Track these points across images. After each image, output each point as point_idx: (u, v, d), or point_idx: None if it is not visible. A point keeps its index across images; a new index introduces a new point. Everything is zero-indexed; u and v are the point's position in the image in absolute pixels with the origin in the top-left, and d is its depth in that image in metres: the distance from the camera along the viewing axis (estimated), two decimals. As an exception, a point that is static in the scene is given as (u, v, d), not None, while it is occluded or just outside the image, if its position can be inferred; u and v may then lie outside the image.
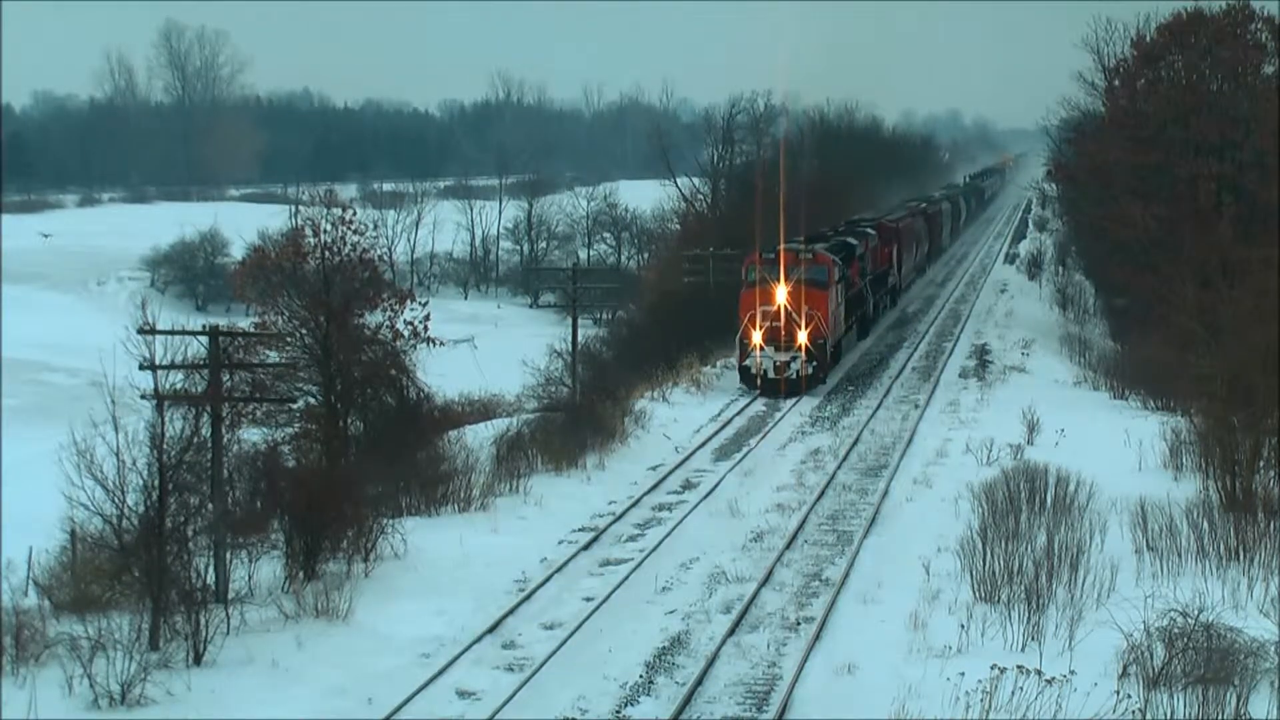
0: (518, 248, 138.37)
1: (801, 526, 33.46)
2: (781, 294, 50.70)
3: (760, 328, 50.77)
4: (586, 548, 32.10)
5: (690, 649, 25.33)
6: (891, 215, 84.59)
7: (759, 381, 50.79)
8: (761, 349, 50.72)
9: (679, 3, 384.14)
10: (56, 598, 27.13)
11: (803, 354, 50.72)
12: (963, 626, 24.60)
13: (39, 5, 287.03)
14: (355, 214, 49.59)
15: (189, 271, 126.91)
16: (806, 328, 50.82)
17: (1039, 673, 21.21)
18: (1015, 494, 32.33)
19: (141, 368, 32.03)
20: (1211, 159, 62.63)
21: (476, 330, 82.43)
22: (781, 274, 50.95)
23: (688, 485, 38.34)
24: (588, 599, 28.25)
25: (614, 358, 67.19)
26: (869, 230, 68.14)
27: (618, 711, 22.61)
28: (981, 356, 57.20)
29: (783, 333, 50.79)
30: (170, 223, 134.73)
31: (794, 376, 50.76)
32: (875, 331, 68.26)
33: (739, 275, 54.47)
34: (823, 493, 36.82)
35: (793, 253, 52.32)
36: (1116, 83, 71.16)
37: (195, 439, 28.25)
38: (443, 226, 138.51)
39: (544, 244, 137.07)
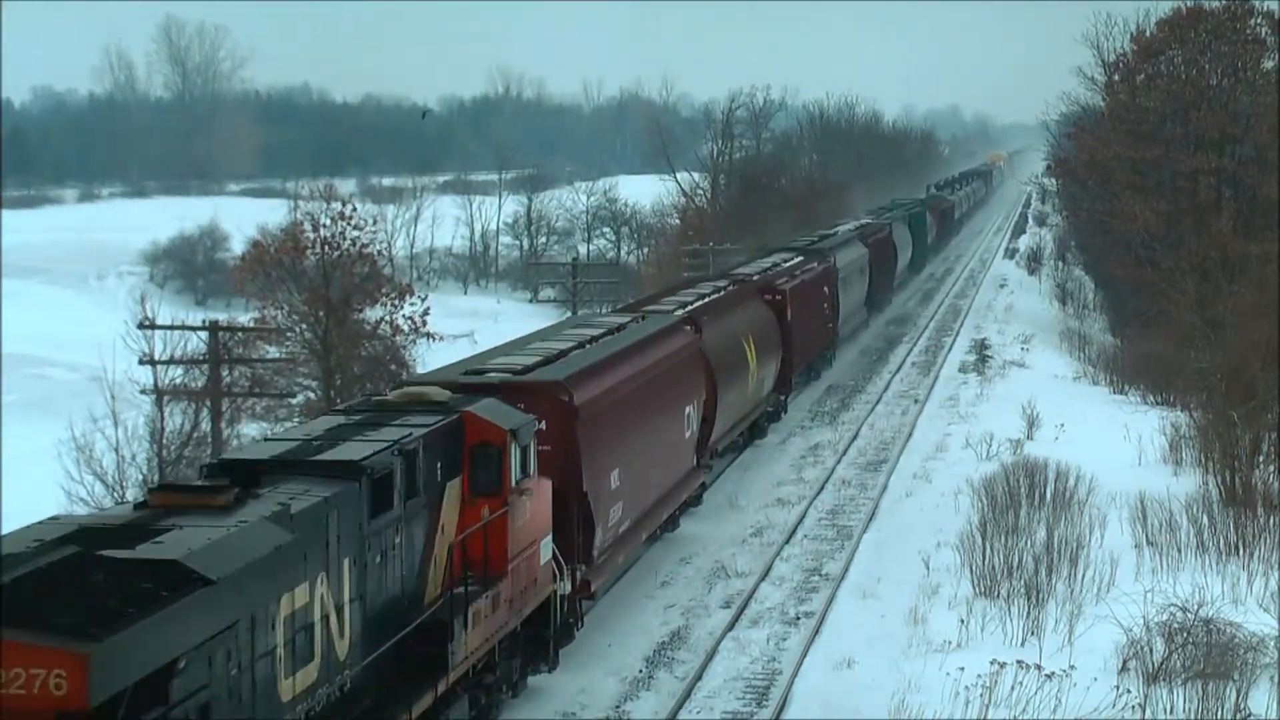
0: (517, 243, 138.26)
1: (801, 521, 33.48)
2: None
3: None
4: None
5: (690, 644, 25.35)
6: (621, 342, 29.13)
7: None
8: None
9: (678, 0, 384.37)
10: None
11: None
12: (962, 621, 24.60)
13: (39, 1, 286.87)
14: (354, 209, 49.69)
15: (189, 266, 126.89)
16: None
17: (1038, 668, 21.21)
18: (1015, 489, 32.30)
19: (141, 362, 32.11)
20: (1211, 154, 62.60)
21: (476, 325, 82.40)
22: None
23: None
24: (587, 594, 28.17)
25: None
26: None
27: (617, 706, 22.61)
28: (981, 351, 57.18)
29: None
30: (170, 217, 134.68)
31: None
32: None
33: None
34: (822, 487, 36.84)
35: None
36: (1116, 78, 71.11)
37: (195, 434, 28.33)
38: (442, 221, 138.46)
39: (543, 239, 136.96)
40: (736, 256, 64.48)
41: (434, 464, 18.62)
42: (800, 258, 52.45)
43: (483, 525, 19.50)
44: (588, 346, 27.66)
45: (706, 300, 39.02)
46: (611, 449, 25.67)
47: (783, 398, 45.27)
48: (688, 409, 31.78)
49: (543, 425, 22.30)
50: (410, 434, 18.16)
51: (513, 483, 20.17)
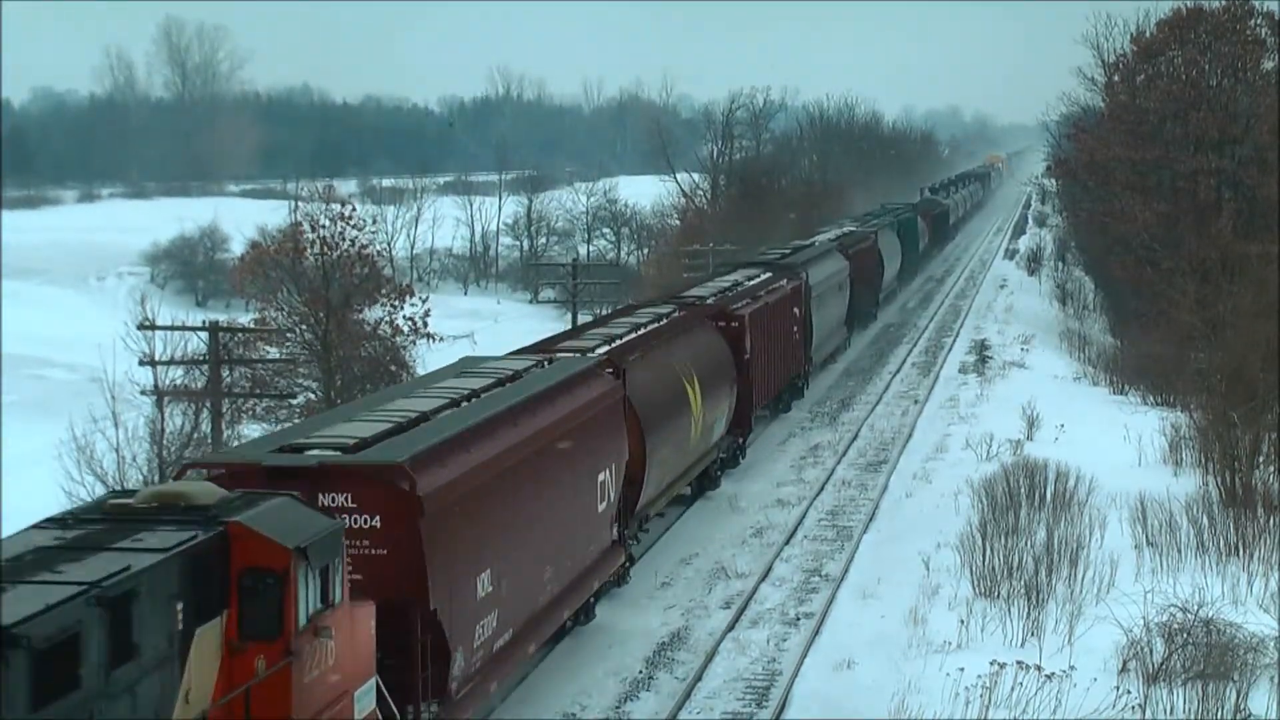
0: (517, 243, 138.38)
1: (801, 522, 33.48)
2: None
3: None
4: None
5: (690, 644, 25.35)
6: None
7: None
8: None
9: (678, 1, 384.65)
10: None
11: None
12: (962, 622, 24.60)
13: (39, 2, 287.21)
14: (354, 210, 49.73)
15: (189, 267, 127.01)
16: None
17: (1038, 668, 21.23)
18: (1015, 489, 32.31)
19: (141, 363, 32.12)
20: (1211, 154, 62.61)
21: (476, 326, 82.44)
22: None
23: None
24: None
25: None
26: None
27: (617, 707, 22.61)
28: (981, 352, 57.19)
29: None
30: (170, 218, 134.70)
31: None
32: None
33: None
34: (822, 488, 36.83)
35: None
36: (1116, 78, 71.15)
37: (195, 435, 28.32)
38: (442, 222, 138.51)
39: (544, 239, 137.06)
40: (736, 256, 64.35)
41: (170, 607, 13.23)
42: (767, 274, 46.22)
43: (249, 686, 13.97)
44: (462, 405, 21.38)
45: (639, 334, 32.19)
46: (479, 546, 19.30)
47: (740, 440, 39.15)
48: (602, 476, 25.23)
49: (376, 522, 17.36)
50: (127, 567, 12.59)
51: (302, 621, 14.50)
